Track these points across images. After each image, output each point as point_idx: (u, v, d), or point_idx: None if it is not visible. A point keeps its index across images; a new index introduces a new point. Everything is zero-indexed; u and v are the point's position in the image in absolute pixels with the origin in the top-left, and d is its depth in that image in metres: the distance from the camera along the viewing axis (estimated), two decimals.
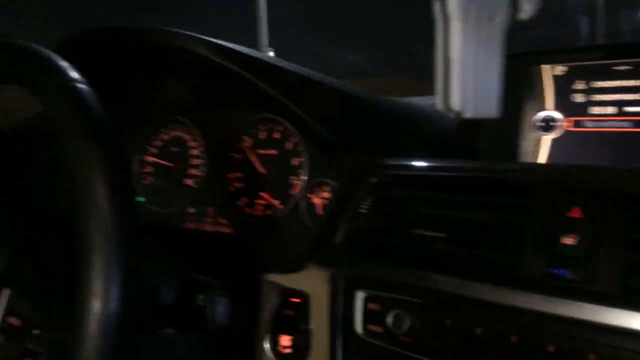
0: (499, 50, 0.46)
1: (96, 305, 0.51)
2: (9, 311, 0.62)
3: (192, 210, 1.08)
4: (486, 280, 0.65)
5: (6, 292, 0.62)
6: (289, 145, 1.00)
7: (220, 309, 0.82)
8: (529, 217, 0.66)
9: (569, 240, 0.62)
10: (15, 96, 1.17)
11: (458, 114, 0.46)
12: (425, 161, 0.82)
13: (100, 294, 0.51)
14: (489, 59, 0.46)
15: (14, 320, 0.62)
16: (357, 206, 0.82)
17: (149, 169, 1.15)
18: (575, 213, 0.63)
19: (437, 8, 0.44)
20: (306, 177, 0.97)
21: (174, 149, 1.13)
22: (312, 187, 0.96)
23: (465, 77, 0.44)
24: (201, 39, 0.87)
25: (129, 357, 0.54)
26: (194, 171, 1.10)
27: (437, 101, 0.46)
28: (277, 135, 1.01)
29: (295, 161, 0.99)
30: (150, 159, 1.15)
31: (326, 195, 0.95)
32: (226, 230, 1.03)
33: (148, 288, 0.77)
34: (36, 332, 0.62)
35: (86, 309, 0.51)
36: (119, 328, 0.52)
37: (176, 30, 0.89)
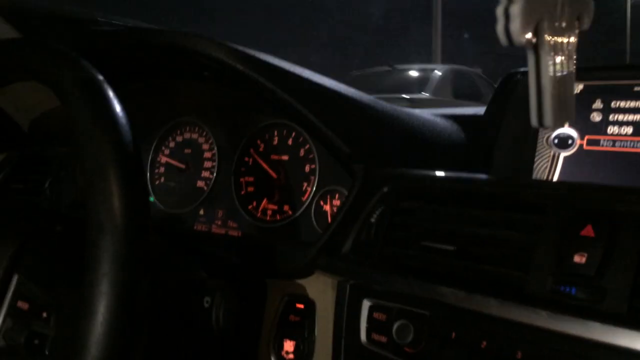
0: (574, 70, 0.50)
1: (107, 287, 0.51)
2: (18, 295, 0.63)
3: (202, 212, 1.08)
4: (493, 295, 0.65)
5: (14, 278, 0.63)
6: (301, 152, 1.00)
7: (226, 312, 0.82)
8: (540, 234, 0.66)
9: (579, 259, 0.61)
10: (32, 93, 1.19)
11: (551, 128, 0.51)
12: (437, 173, 0.82)
13: (111, 276, 0.51)
14: (569, 79, 0.50)
15: (22, 304, 0.63)
16: (367, 216, 0.82)
17: (161, 170, 1.16)
18: (587, 232, 0.63)
19: (528, 44, 0.47)
20: (317, 184, 0.97)
21: (187, 151, 1.13)
22: (323, 194, 0.96)
23: (554, 100, 0.48)
24: (222, 44, 0.88)
25: (138, 339, 0.55)
26: (205, 174, 1.10)
27: (532, 120, 0.50)
28: (290, 142, 1.01)
29: (307, 168, 0.99)
30: (164, 159, 1.16)
31: (336, 203, 0.95)
32: (235, 233, 1.03)
33: (155, 288, 0.77)
34: (44, 315, 0.63)
35: (96, 291, 0.51)
36: (128, 309, 0.52)
37: (198, 34, 0.90)
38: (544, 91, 0.47)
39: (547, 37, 0.46)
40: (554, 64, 0.46)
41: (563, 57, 0.47)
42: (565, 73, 0.47)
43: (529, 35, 0.45)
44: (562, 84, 0.47)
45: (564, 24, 0.47)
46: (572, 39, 0.48)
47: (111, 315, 0.51)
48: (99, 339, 0.51)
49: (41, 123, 1.26)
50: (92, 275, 0.51)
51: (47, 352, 0.63)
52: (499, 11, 0.46)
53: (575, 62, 0.49)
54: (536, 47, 0.46)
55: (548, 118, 0.47)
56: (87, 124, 0.55)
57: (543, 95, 0.47)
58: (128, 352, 0.54)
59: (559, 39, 0.47)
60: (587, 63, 0.82)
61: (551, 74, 0.46)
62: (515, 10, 0.45)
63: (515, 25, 0.45)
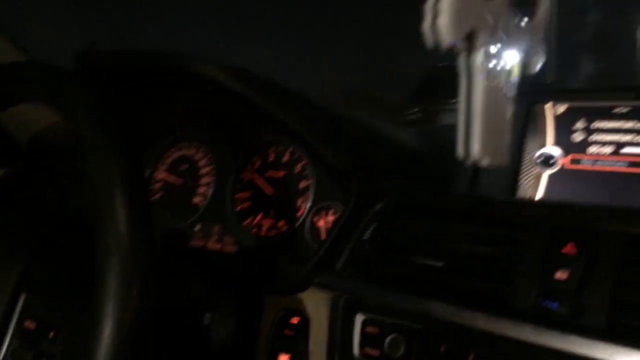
0: (510, 100, 0.47)
1: (114, 308, 0.52)
2: (25, 314, 0.64)
3: (198, 228, 1.10)
4: (480, 310, 0.68)
5: (22, 297, 0.64)
6: (297, 168, 1.02)
7: (224, 328, 0.83)
8: (524, 251, 0.68)
9: (561, 275, 0.64)
10: (30, 109, 1.21)
11: (476, 163, 0.47)
12: (427, 191, 0.84)
13: (118, 297, 0.53)
14: (503, 110, 0.46)
15: (29, 324, 0.64)
16: (361, 232, 0.84)
17: (157, 186, 1.17)
18: (569, 249, 0.65)
19: (461, 64, 0.43)
20: (312, 200, 0.99)
21: (183, 167, 1.15)
22: (318, 210, 0.99)
23: (485, 128, 0.44)
24: (218, 65, 0.90)
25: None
26: (202, 190, 1.12)
27: (458, 150, 0.46)
28: (285, 158, 1.04)
29: (302, 184, 1.01)
30: (160, 176, 1.17)
31: (331, 218, 0.97)
32: (231, 249, 1.05)
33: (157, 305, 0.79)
34: (51, 334, 0.64)
35: (104, 312, 0.53)
36: (135, 331, 0.53)
37: (190, 55, 0.92)
38: (474, 116, 0.42)
39: (481, 51, 0.41)
40: (489, 85, 0.42)
41: (499, 81, 0.43)
42: (500, 100, 0.43)
43: (458, 39, 0.39)
44: (496, 113, 0.43)
45: (501, 40, 0.42)
46: (511, 61, 0.44)
47: (118, 338, 0.52)
48: None
49: (39, 139, 1.27)
50: (100, 296, 0.53)
51: None
52: (428, 4, 0.40)
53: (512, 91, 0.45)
54: (468, 59, 0.41)
55: (476, 150, 0.44)
56: (93, 145, 0.57)
57: (472, 121, 0.42)
58: None
59: (496, 59, 0.42)
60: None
61: (483, 96, 0.42)
62: (444, 3, 0.38)
63: (443, 20, 0.38)
